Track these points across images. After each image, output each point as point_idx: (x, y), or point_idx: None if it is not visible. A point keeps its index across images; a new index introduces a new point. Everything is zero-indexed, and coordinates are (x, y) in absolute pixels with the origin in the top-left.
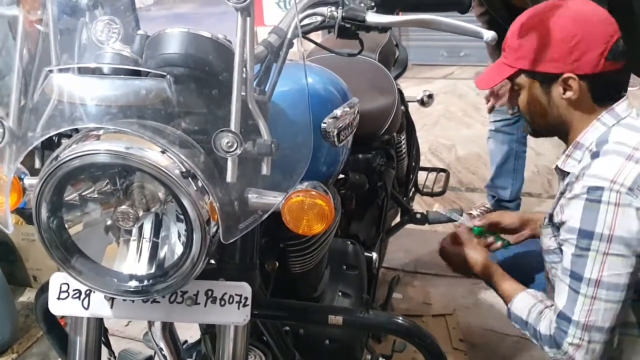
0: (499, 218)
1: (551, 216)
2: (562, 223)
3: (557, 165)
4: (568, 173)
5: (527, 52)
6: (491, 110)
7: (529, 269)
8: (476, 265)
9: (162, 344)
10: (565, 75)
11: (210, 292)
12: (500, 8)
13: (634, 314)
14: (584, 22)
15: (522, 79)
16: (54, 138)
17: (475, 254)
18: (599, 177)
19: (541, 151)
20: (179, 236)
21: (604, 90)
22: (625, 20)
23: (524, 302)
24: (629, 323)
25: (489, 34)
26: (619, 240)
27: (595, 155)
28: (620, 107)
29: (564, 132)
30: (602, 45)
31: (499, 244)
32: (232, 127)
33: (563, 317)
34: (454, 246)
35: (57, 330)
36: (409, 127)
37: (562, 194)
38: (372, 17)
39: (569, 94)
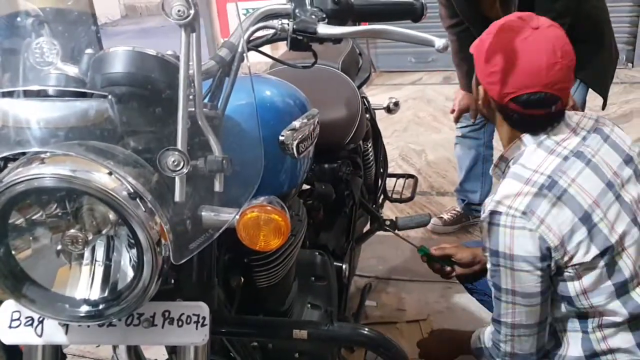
0: (453, 251)
1: None
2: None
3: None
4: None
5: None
6: (457, 120)
7: None
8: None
9: None
10: (481, 84)
11: (167, 313)
12: (477, 21)
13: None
14: (513, 61)
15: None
16: None
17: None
18: (498, 202)
19: None
20: (130, 259)
21: (516, 122)
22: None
23: (474, 337)
24: (563, 317)
25: (440, 42)
26: (519, 259)
27: (503, 176)
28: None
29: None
30: (511, 89)
31: (447, 269)
32: (179, 145)
33: (495, 322)
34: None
35: (19, 357)
36: (375, 135)
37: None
38: (324, 29)
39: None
